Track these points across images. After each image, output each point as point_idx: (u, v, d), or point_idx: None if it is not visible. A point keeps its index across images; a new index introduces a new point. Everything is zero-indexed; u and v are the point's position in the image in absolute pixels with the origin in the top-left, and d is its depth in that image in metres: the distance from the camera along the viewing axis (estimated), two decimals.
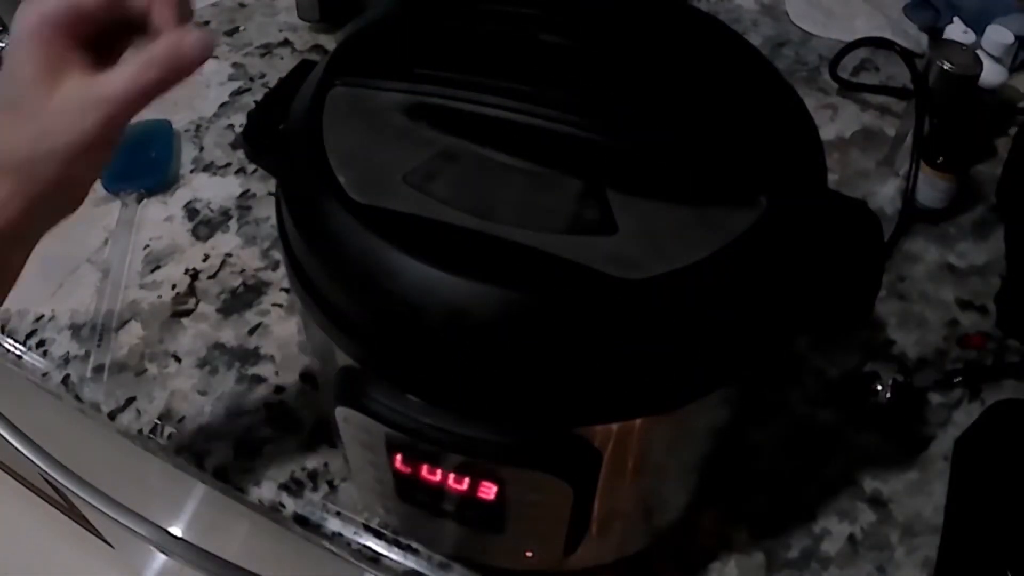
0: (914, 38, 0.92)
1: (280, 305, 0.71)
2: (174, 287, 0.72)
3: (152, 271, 0.74)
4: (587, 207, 0.43)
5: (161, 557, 1.19)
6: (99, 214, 0.78)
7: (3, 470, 1.50)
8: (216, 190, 0.80)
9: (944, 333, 0.70)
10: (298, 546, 0.64)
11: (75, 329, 0.70)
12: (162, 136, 0.83)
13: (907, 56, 0.83)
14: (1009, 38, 0.82)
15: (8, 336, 0.70)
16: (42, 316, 0.71)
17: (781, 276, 0.44)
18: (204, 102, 0.88)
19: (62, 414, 0.73)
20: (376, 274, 0.41)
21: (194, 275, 0.73)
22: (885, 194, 0.80)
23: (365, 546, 0.59)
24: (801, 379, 0.67)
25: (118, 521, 0.75)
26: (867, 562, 0.58)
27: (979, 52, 0.79)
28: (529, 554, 0.51)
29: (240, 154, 0.82)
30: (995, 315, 0.71)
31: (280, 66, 0.91)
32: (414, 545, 0.58)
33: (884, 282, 0.72)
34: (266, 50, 0.94)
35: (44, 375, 0.68)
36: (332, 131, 0.47)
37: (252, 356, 0.68)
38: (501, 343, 0.40)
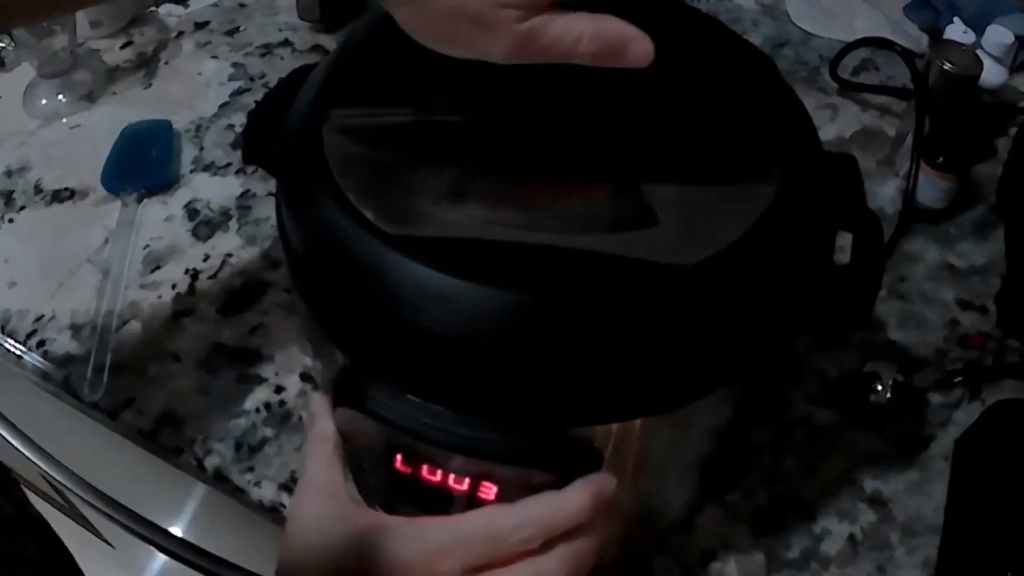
0: (914, 38, 0.92)
1: (280, 305, 0.71)
2: (174, 287, 0.72)
3: (152, 271, 0.74)
4: None
5: (161, 557, 1.19)
6: (99, 214, 0.78)
7: (3, 470, 1.50)
8: (216, 190, 0.80)
9: (944, 333, 0.70)
10: None
11: (75, 329, 0.70)
12: (162, 136, 0.83)
13: (907, 56, 0.83)
14: (1009, 38, 0.82)
15: (8, 336, 0.70)
16: (42, 316, 0.71)
17: (781, 277, 0.44)
18: (204, 102, 0.88)
19: (62, 414, 0.73)
20: (379, 278, 0.41)
21: (194, 275, 0.73)
22: (885, 194, 0.80)
23: None
24: (801, 379, 0.67)
25: (118, 521, 0.75)
26: (867, 562, 0.58)
27: (979, 52, 0.79)
28: None
29: (240, 154, 0.82)
30: (995, 315, 0.71)
31: (280, 66, 0.91)
32: None
33: (884, 282, 0.72)
34: (266, 50, 0.94)
35: (44, 375, 0.68)
36: (332, 137, 0.47)
37: (252, 356, 0.68)
38: (501, 343, 0.40)
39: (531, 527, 0.40)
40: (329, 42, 0.94)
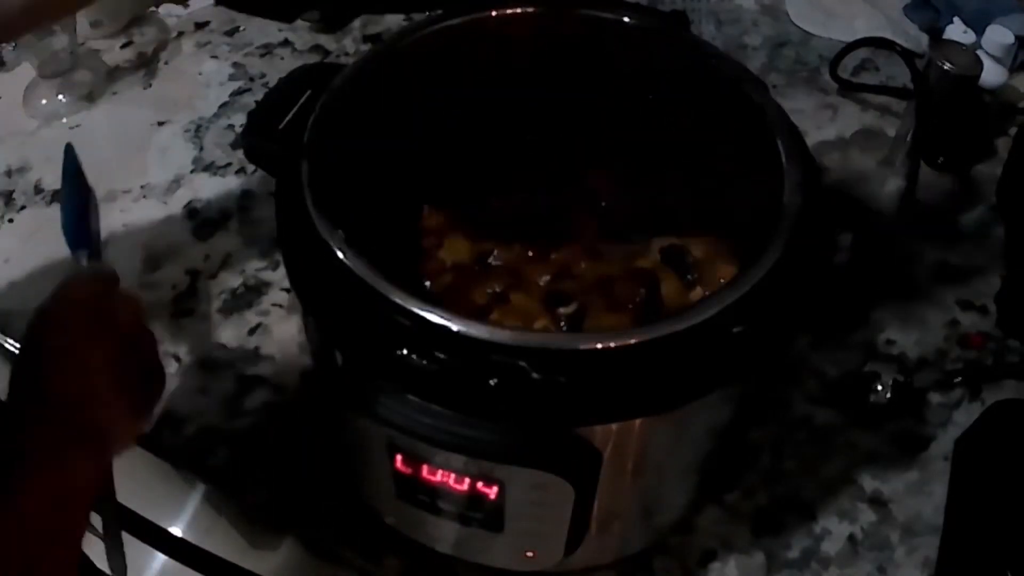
0: (914, 38, 0.92)
1: (280, 305, 0.71)
2: (174, 287, 0.72)
3: (152, 271, 0.74)
4: None
5: (161, 557, 1.19)
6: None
7: None
8: (216, 190, 0.80)
9: (944, 333, 0.70)
10: (298, 546, 0.64)
11: None
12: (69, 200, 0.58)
13: (907, 56, 0.83)
14: (1009, 38, 0.82)
15: (8, 336, 0.70)
16: None
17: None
18: (204, 102, 0.88)
19: None
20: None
21: (194, 275, 0.73)
22: (885, 194, 0.80)
23: (365, 546, 0.59)
24: (801, 379, 0.67)
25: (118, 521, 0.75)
26: (867, 562, 0.58)
27: (979, 52, 0.79)
28: (530, 554, 0.51)
29: (240, 154, 0.82)
30: (995, 315, 0.71)
31: (280, 66, 0.91)
32: (414, 545, 0.58)
33: (884, 282, 0.72)
34: (266, 50, 0.94)
35: None
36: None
37: (252, 356, 0.68)
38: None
39: None
40: (329, 42, 0.94)
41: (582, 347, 0.41)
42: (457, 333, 0.41)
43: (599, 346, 0.41)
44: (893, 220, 0.76)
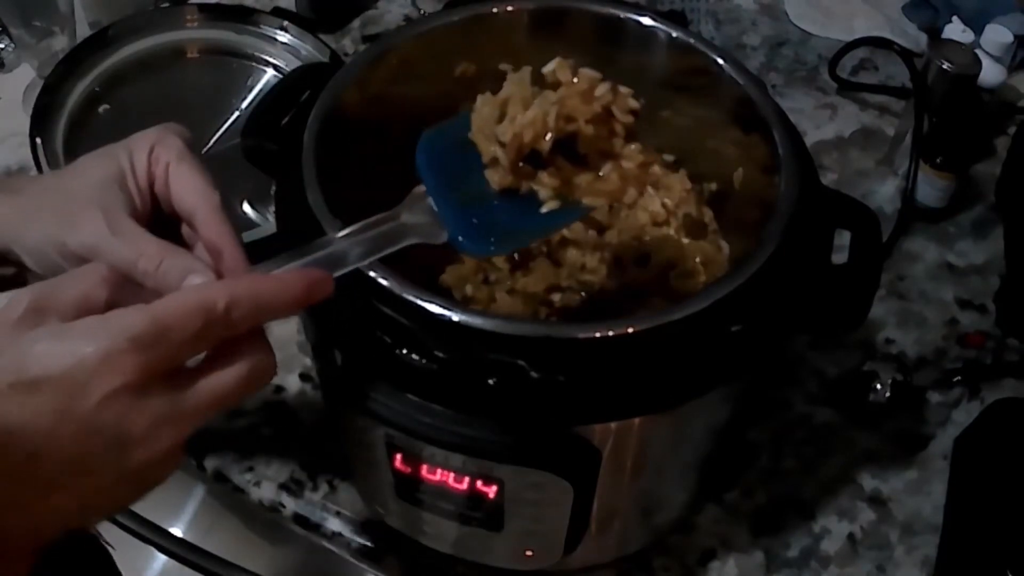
0: (913, 37, 0.92)
1: None
2: None
3: None
4: None
5: (161, 557, 1.19)
6: None
7: None
8: None
9: (943, 332, 0.70)
10: (298, 546, 0.64)
11: None
12: None
13: (906, 55, 0.83)
14: (1008, 37, 0.82)
15: None
16: None
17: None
18: None
19: None
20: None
21: None
22: (884, 193, 0.80)
23: (365, 546, 0.59)
24: (801, 379, 0.67)
25: (118, 521, 0.75)
26: (867, 561, 0.58)
27: (978, 51, 0.79)
28: (529, 553, 0.51)
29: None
30: (994, 314, 0.71)
31: None
32: (414, 545, 0.58)
33: (884, 281, 0.72)
34: None
35: None
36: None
37: None
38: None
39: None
40: (329, 42, 0.94)
41: (580, 336, 0.41)
42: (457, 323, 0.41)
43: (597, 335, 0.41)
44: (892, 219, 0.76)
